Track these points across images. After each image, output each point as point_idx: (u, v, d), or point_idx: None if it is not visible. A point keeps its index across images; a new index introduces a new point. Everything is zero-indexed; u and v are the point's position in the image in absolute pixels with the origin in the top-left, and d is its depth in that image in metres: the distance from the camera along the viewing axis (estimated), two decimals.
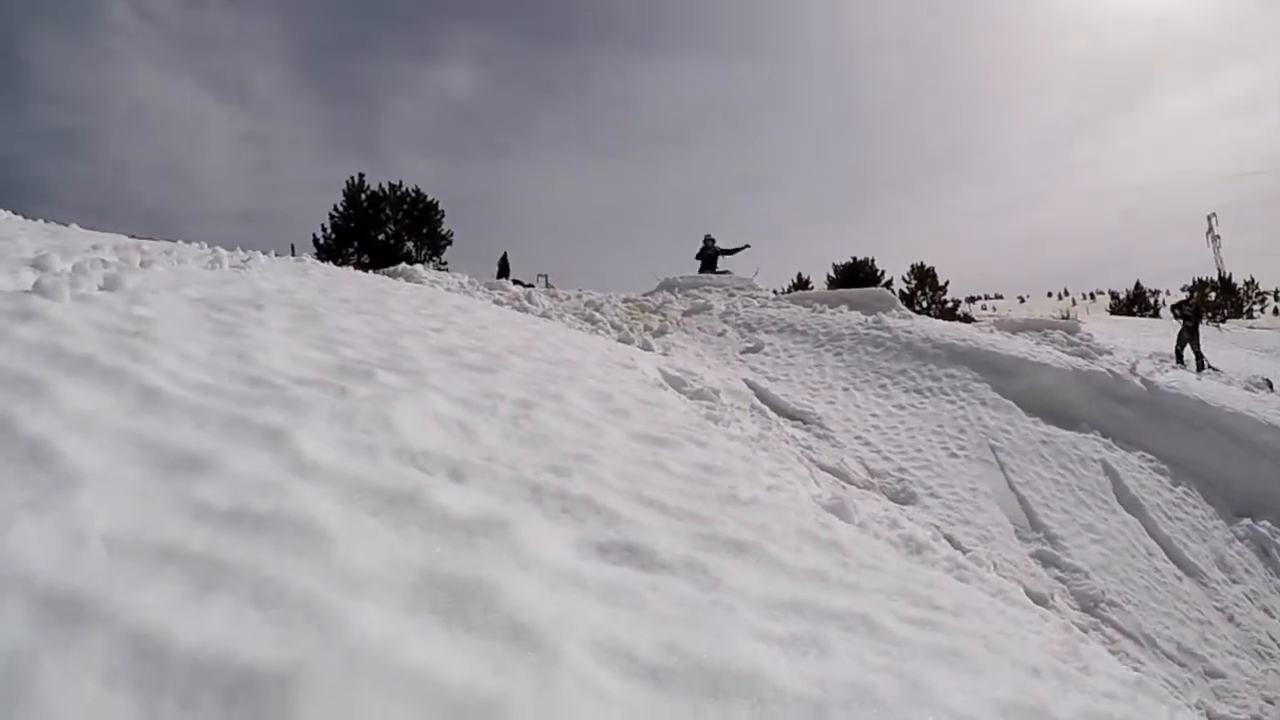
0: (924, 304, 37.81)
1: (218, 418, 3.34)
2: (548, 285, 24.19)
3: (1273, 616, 11.15)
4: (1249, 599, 11.29)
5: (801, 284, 41.31)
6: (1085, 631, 8.60)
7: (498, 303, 14.40)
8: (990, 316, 37.37)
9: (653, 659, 2.45)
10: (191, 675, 1.82)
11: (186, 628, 1.95)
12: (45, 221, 9.42)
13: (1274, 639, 10.61)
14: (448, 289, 14.53)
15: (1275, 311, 67.65)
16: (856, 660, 2.87)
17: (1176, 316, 23.04)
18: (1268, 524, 12.87)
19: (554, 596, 2.66)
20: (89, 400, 3.17)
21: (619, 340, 12.89)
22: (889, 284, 36.69)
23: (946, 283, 41.13)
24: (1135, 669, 8.23)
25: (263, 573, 2.24)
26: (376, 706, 1.88)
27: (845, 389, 13.46)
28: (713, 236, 25.94)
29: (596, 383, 6.81)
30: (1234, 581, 11.50)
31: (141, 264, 6.50)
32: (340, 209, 33.40)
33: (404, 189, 34.24)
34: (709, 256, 25.55)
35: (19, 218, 9.13)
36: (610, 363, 8.92)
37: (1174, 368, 19.28)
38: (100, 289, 5.08)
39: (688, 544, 3.54)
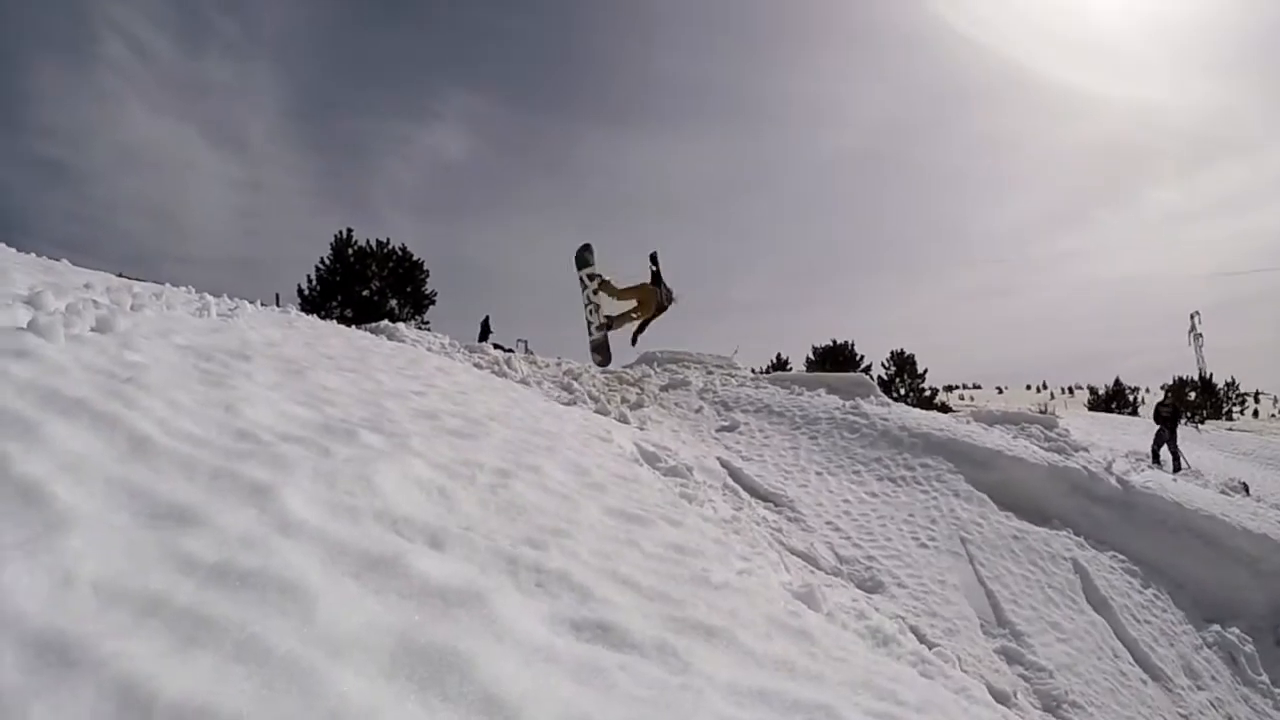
0: (902, 391, 37.91)
1: (205, 470, 3.39)
2: (527, 350, 24.30)
3: None
4: (1214, 706, 11.31)
5: (780, 364, 41.30)
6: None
7: (477, 366, 14.48)
8: (968, 406, 37.57)
9: None
10: None
11: (171, 679, 1.99)
12: (36, 255, 9.45)
13: None
14: (429, 349, 14.53)
15: (1255, 414, 68.17)
16: None
17: (1157, 421, 23.10)
18: (1237, 631, 12.93)
19: (528, 671, 2.68)
20: (81, 443, 3.21)
21: (596, 411, 12.95)
22: (868, 369, 36.81)
23: (925, 370, 41.27)
24: None
25: (247, 629, 2.28)
26: None
27: (819, 473, 13.49)
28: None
29: (574, 454, 6.85)
30: (1200, 688, 11.51)
31: (132, 307, 6.54)
32: (326, 262, 33.52)
33: (390, 246, 34.45)
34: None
35: (11, 250, 9.16)
36: (587, 435, 8.96)
37: (1150, 467, 19.28)
38: (92, 330, 5.12)
39: (659, 625, 3.58)
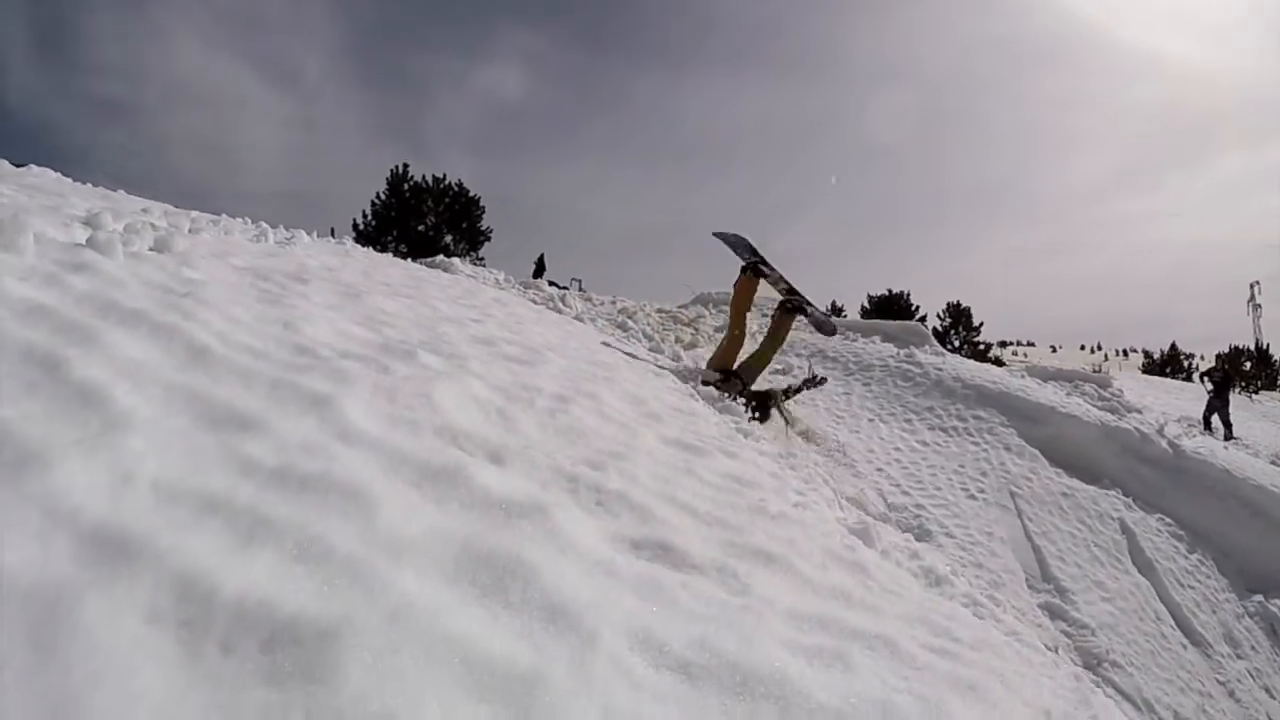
0: (956, 343, 37.56)
1: (265, 380, 3.38)
2: (581, 289, 24.26)
3: (1273, 697, 11.01)
4: (1251, 676, 11.15)
5: (835, 311, 40.93)
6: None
7: (533, 301, 14.39)
8: (1021, 361, 37.15)
9: (684, 653, 2.46)
10: (235, 621, 1.84)
11: (232, 574, 1.96)
12: (93, 185, 9.51)
13: (1272, 719, 10.52)
14: (484, 283, 14.56)
15: None
16: (879, 679, 2.86)
17: (1204, 382, 22.83)
18: (1279, 603, 12.77)
19: (589, 582, 2.68)
20: (140, 351, 3.20)
21: (650, 350, 12.91)
22: (923, 319, 36.35)
23: (981, 324, 40.91)
24: None
25: (308, 530, 2.27)
26: (418, 668, 1.89)
27: (870, 420, 13.42)
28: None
29: (630, 386, 6.84)
30: (1239, 657, 11.36)
31: (190, 230, 6.59)
32: (382, 197, 33.50)
33: (447, 182, 34.30)
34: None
35: (68, 179, 9.22)
36: (643, 369, 8.95)
37: (1201, 434, 19.04)
38: (150, 249, 5.15)
39: (718, 549, 3.56)
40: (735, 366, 10.55)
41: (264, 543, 2.17)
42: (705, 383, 9.35)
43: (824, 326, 11.32)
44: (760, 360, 10.93)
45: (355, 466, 2.81)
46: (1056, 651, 8.89)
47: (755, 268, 11.00)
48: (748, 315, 11.11)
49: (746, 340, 11.52)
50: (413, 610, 2.07)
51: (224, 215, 9.42)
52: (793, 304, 10.88)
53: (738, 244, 11.78)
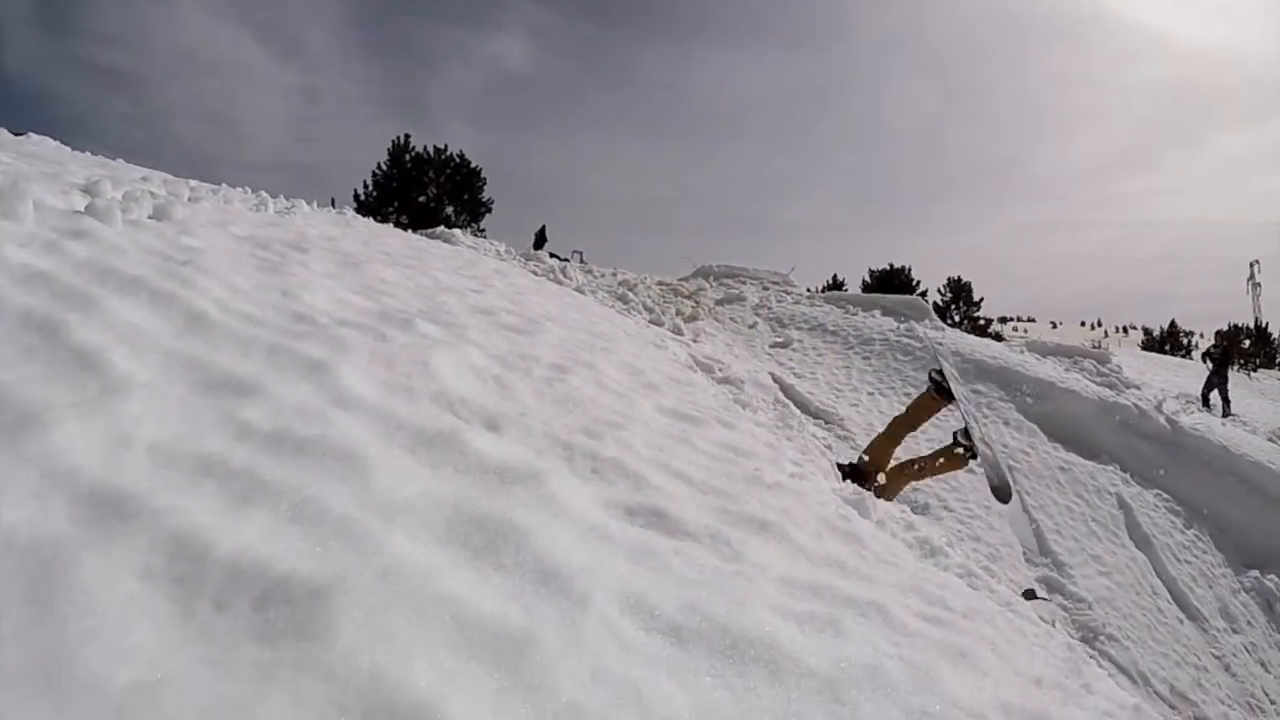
0: (957, 318, 37.49)
1: (262, 346, 3.40)
2: (582, 261, 24.27)
3: (1269, 671, 11.12)
4: (1247, 650, 11.26)
5: (836, 285, 40.80)
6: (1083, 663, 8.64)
7: (534, 273, 14.34)
8: (1021, 338, 37.09)
9: (675, 617, 2.49)
10: (228, 580, 1.87)
11: (226, 534, 1.99)
12: (92, 154, 9.50)
13: (1267, 694, 10.58)
14: (485, 254, 14.56)
15: None
16: (870, 645, 2.89)
17: (1205, 361, 22.91)
18: (1275, 578, 12.84)
19: (582, 547, 2.70)
20: (138, 317, 3.22)
21: (650, 322, 12.95)
22: (924, 294, 36.21)
23: (981, 299, 40.86)
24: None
25: (303, 492, 2.29)
26: (409, 626, 1.91)
27: (870, 393, 13.51)
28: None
29: (629, 356, 6.85)
30: (1235, 631, 11.47)
31: (190, 199, 6.57)
32: (383, 168, 33.41)
33: (448, 153, 34.15)
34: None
35: (67, 148, 9.21)
36: (642, 340, 8.99)
37: (1199, 410, 19.10)
38: (150, 217, 5.14)
39: (712, 516, 3.58)
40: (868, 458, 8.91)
41: (259, 504, 2.19)
42: (847, 475, 8.01)
43: (1000, 492, 8.75)
44: (890, 442, 9.34)
45: (351, 431, 2.83)
46: (1054, 624, 8.96)
47: (942, 387, 9.30)
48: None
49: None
50: (404, 570, 2.09)
51: (224, 184, 9.40)
52: (943, 387, 9.19)
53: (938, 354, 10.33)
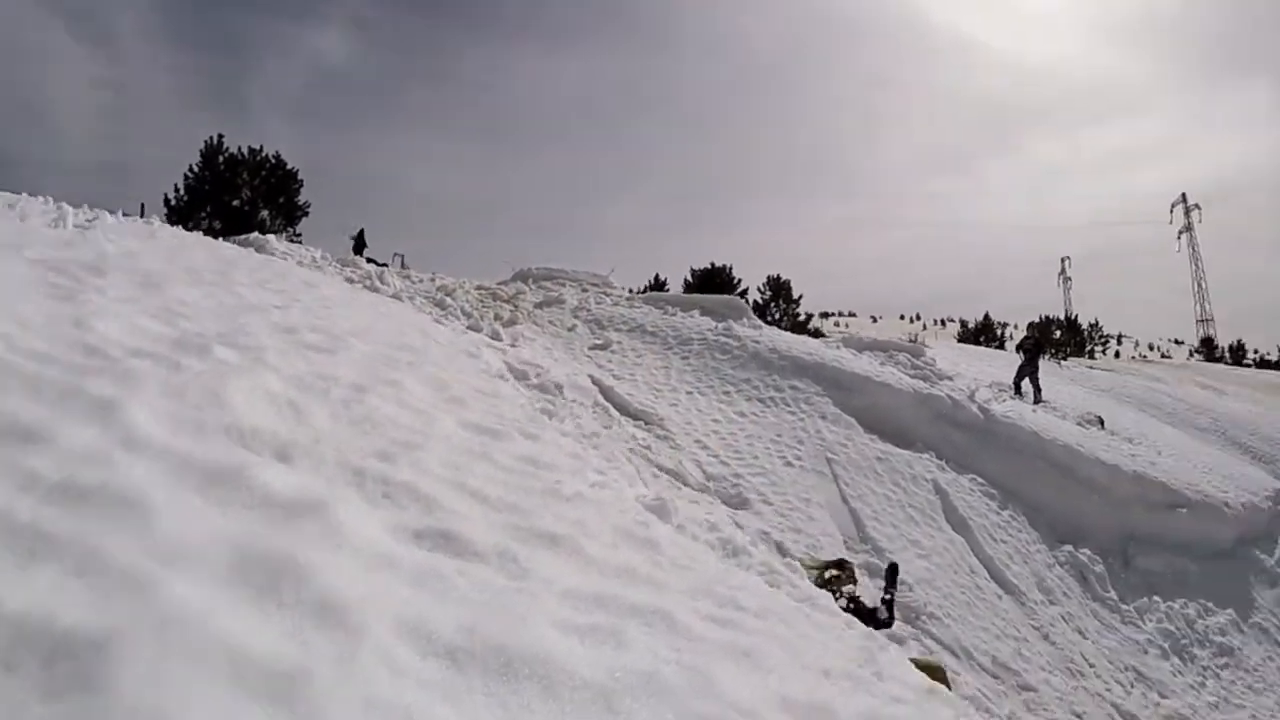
0: (777, 315, 37.94)
1: (52, 387, 3.41)
2: (403, 265, 23.98)
3: (1085, 637, 11.85)
4: (1064, 620, 12.00)
5: (658, 285, 40.76)
6: (903, 643, 8.99)
7: (349, 280, 14.40)
8: (841, 333, 38.07)
9: (452, 639, 2.58)
10: (15, 639, 1.91)
11: (13, 592, 2.03)
12: None
13: (1085, 658, 11.26)
14: (299, 262, 14.45)
15: (1116, 354, 70.99)
16: (650, 653, 3.05)
17: (1019, 352, 23.86)
18: (1088, 551, 13.75)
19: (366, 577, 2.79)
20: None
21: (468, 328, 13.01)
22: (744, 293, 36.61)
23: (800, 296, 41.36)
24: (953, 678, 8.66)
25: (87, 543, 2.33)
26: (185, 672, 1.95)
27: (689, 393, 13.86)
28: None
29: (436, 369, 6.91)
30: (1052, 603, 12.22)
31: None
32: (195, 170, 32.12)
33: (264, 154, 33.08)
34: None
35: None
36: (455, 350, 9.05)
37: (1012, 398, 20.00)
38: None
39: (503, 534, 3.72)
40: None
41: (45, 559, 2.23)
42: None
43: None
44: None
45: (137, 475, 2.86)
46: (878, 608, 9.36)
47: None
48: None
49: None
50: (185, 616, 2.13)
51: (24, 195, 9.14)
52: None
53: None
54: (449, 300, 15.30)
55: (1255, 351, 76.86)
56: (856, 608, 7.39)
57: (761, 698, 3.16)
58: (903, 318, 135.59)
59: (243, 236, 16.88)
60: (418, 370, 6.61)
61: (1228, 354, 67.48)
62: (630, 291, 23.98)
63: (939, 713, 4.68)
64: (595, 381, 12.75)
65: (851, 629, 5.71)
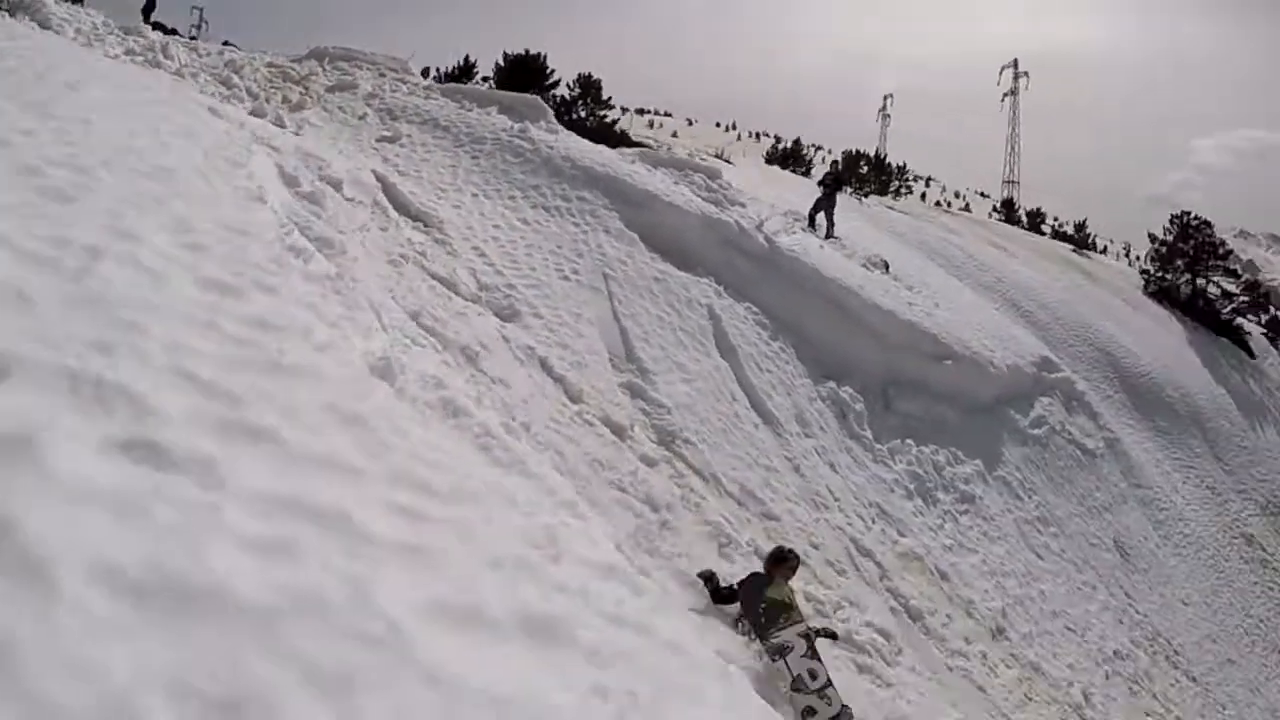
0: (583, 113, 36.94)
1: None
2: (202, 22, 22.67)
3: (836, 472, 13.09)
4: (818, 453, 13.22)
5: (465, 70, 38.51)
6: (654, 465, 9.86)
7: (130, 52, 13.95)
8: (651, 136, 38.12)
9: (139, 576, 2.67)
10: None
11: None
12: None
13: (832, 492, 12.44)
14: (78, 30, 13.89)
15: (922, 197, 73.90)
16: (321, 565, 3.29)
17: (819, 185, 24.66)
18: (850, 389, 15.04)
19: (71, 519, 2.80)
20: None
21: (252, 112, 12.82)
22: (555, 85, 35.47)
23: (610, 98, 40.44)
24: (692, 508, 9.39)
25: None
26: None
27: (474, 195, 14.16)
28: None
29: (184, 204, 6.69)
30: (808, 436, 13.41)
31: None
32: None
33: None
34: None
35: None
36: (218, 161, 8.67)
37: (805, 230, 20.94)
38: None
39: (207, 433, 3.83)
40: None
41: None
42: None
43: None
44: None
45: None
46: (631, 429, 10.16)
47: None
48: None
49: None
50: None
51: None
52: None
53: None
54: (235, 79, 15.10)
55: (1055, 219, 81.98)
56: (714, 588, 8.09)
57: (410, 604, 3.37)
58: (719, 125, 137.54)
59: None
60: (164, 207, 6.36)
61: (1025, 218, 70.80)
62: (434, 77, 23.50)
63: (612, 593, 4.89)
64: (379, 177, 12.87)
65: (541, 508, 5.74)
